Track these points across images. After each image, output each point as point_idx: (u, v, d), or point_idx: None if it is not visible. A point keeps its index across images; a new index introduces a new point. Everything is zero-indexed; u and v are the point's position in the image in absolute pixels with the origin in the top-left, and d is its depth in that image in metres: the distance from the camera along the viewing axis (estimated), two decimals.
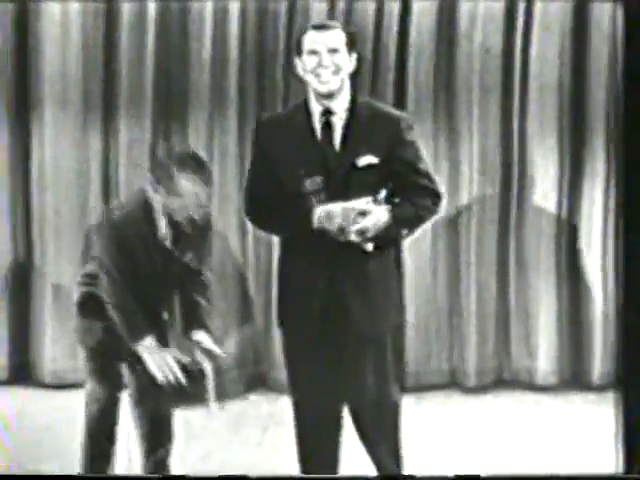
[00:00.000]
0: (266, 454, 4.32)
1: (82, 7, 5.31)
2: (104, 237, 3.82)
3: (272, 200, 3.70)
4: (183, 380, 3.79)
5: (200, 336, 3.96)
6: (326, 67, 3.60)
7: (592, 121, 5.40)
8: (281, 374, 5.03)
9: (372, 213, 3.56)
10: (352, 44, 3.67)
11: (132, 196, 3.93)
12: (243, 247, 5.45)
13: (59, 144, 5.41)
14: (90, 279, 3.95)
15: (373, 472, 3.92)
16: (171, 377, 3.79)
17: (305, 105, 3.71)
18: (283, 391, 4.84)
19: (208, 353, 3.94)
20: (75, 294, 4.04)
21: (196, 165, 3.76)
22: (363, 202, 3.56)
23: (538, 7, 5.34)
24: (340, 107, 3.66)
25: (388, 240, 3.68)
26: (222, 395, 3.93)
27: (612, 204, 5.44)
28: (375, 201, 3.59)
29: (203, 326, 3.99)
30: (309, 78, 3.63)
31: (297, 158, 3.64)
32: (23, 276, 5.54)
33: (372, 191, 3.61)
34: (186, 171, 3.71)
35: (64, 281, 5.39)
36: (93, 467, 4.08)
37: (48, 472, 4.30)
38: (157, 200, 3.77)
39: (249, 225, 5.16)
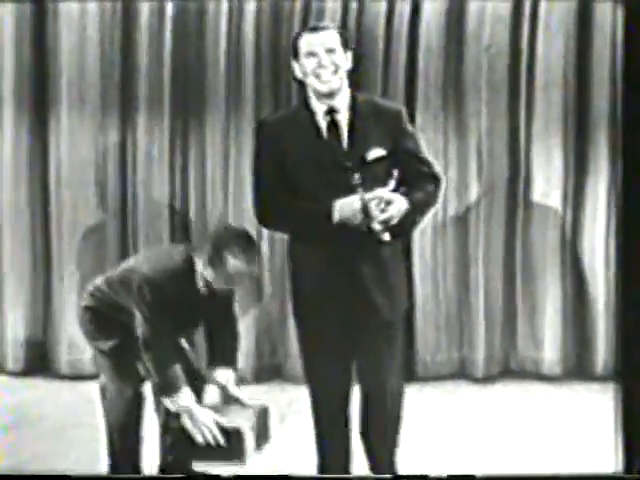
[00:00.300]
0: (284, 444, 4.35)
1: (100, 7, 5.35)
2: (143, 291, 3.79)
3: (287, 199, 3.72)
4: (222, 441, 3.78)
5: (225, 376, 3.96)
6: (325, 67, 3.66)
7: (595, 120, 5.43)
8: (296, 365, 5.07)
9: (395, 201, 3.60)
10: (346, 43, 3.72)
11: (173, 253, 3.92)
12: (258, 239, 5.50)
13: (76, 142, 5.45)
14: (99, 293, 4.03)
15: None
16: (211, 440, 3.77)
17: (306, 105, 3.75)
18: (299, 381, 4.93)
19: (233, 399, 3.97)
20: (85, 302, 4.08)
21: (247, 246, 3.77)
22: (385, 191, 3.62)
23: (543, 7, 5.37)
24: (342, 105, 3.72)
25: (405, 228, 3.71)
26: (260, 443, 3.91)
27: (615, 201, 5.46)
28: (395, 190, 3.65)
29: (229, 363, 4.00)
30: (309, 80, 3.69)
31: (306, 157, 3.69)
32: (41, 270, 5.60)
33: (382, 182, 3.67)
34: (236, 252, 3.71)
35: (82, 275, 5.47)
36: (120, 462, 4.12)
37: (67, 467, 4.33)
38: (202, 268, 3.78)
39: None
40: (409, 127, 3.78)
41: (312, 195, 3.67)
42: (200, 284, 3.82)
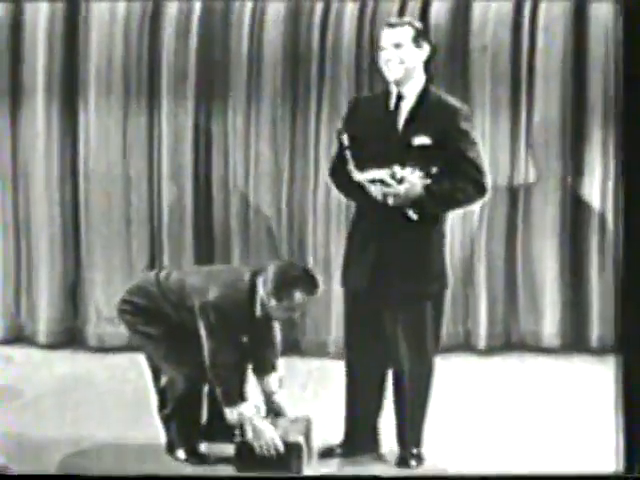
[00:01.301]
0: (307, 408, 4.47)
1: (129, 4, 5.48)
2: (207, 314, 4.01)
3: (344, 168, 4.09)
4: (282, 451, 3.98)
5: (275, 382, 4.21)
6: (390, 60, 4.04)
7: (592, 118, 5.58)
8: (312, 340, 5.45)
9: (407, 181, 3.92)
10: (418, 39, 4.05)
11: (238, 281, 4.08)
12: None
13: (104, 128, 5.60)
14: (147, 292, 4.20)
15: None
16: (272, 452, 3.99)
17: (387, 89, 4.13)
18: (316, 354, 5.27)
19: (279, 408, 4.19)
20: (130, 297, 4.25)
21: (311, 284, 4.01)
22: (405, 171, 3.93)
23: (542, 8, 5.51)
24: (410, 92, 4.08)
25: (427, 212, 3.99)
26: (310, 454, 4.13)
27: (610, 183, 5.59)
28: (420, 174, 3.94)
29: (276, 368, 4.24)
30: (383, 68, 4.07)
31: (371, 132, 4.06)
32: (71, 251, 5.74)
33: (422, 168, 3.96)
34: (301, 289, 3.96)
35: (111, 255, 5.69)
36: (183, 438, 4.25)
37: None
38: (265, 297, 4.00)
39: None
40: (464, 125, 4.03)
41: (368, 167, 3.99)
42: (258, 308, 4.05)
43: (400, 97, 4.09)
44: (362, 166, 4.00)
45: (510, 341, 5.80)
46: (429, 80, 4.13)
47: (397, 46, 4.03)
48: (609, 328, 5.58)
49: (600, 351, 5.59)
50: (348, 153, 4.03)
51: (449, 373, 5.15)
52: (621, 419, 4.08)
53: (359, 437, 4.25)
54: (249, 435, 4.00)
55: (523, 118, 5.66)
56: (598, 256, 5.72)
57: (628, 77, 4.20)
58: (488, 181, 4.06)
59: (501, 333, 5.79)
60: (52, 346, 5.70)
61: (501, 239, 5.76)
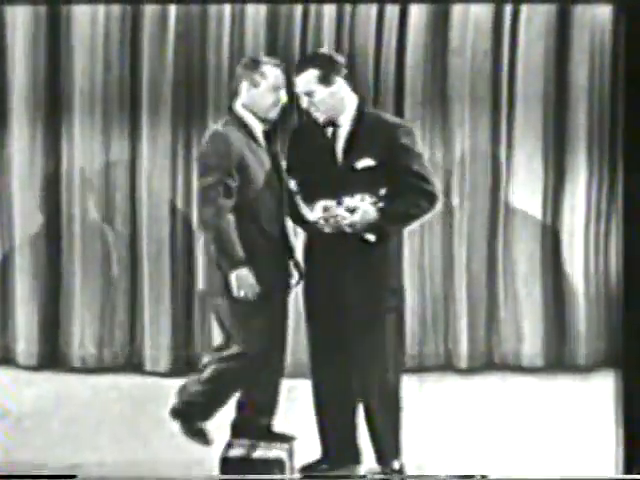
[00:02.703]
0: (282, 425, 4.48)
1: (107, 11, 5.46)
2: None
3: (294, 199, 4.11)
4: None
5: None
6: (308, 108, 4.06)
7: (575, 127, 5.57)
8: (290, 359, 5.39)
9: (359, 209, 3.92)
10: (326, 78, 4.02)
11: None
12: None
13: (87, 144, 5.57)
14: None
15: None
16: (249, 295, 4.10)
17: None
18: (293, 375, 5.16)
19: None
20: None
21: None
22: (355, 200, 3.93)
23: (523, 16, 5.50)
24: (345, 120, 4.06)
25: (384, 232, 3.99)
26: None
27: (593, 199, 5.62)
28: (371, 198, 3.94)
29: None
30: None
31: (311, 161, 4.06)
32: (53, 269, 5.68)
33: (369, 190, 3.96)
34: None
35: (91, 273, 5.65)
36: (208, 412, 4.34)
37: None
38: None
39: None
40: (405, 141, 4.02)
41: (315, 197, 4.00)
42: None
43: (335, 125, 4.07)
44: (309, 197, 4.01)
45: (492, 361, 5.77)
46: (362, 100, 4.12)
47: (308, 94, 4.03)
48: (593, 346, 5.66)
49: (584, 370, 5.58)
50: (298, 198, 4.06)
51: (430, 393, 5.31)
52: (620, 434, 4.22)
53: (338, 453, 4.24)
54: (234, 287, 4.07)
55: (504, 127, 5.66)
56: (581, 273, 5.72)
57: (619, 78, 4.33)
58: (436, 189, 4.07)
59: (483, 353, 5.77)
60: (34, 367, 5.66)
61: (482, 257, 5.76)
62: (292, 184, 4.11)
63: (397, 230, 4.13)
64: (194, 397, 4.34)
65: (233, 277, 4.11)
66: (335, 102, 4.04)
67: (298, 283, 4.35)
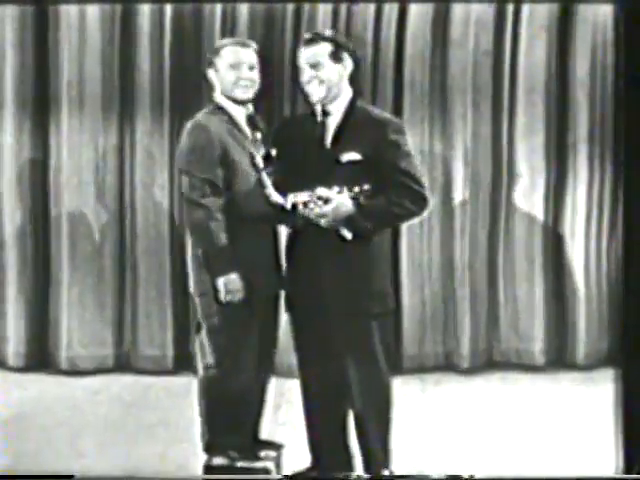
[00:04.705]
0: (280, 429, 4.46)
1: (99, 9, 5.41)
2: None
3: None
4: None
5: None
6: (309, 82, 3.91)
7: (577, 124, 5.56)
8: (286, 358, 5.33)
9: (333, 200, 3.77)
10: (336, 54, 3.89)
11: None
12: None
13: (76, 144, 5.51)
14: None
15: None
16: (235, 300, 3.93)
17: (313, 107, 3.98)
18: (289, 375, 5.15)
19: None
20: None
21: None
22: (330, 191, 3.78)
23: (525, 11, 5.48)
24: (336, 109, 3.93)
25: (363, 230, 3.84)
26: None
27: (595, 198, 5.62)
28: (349, 192, 3.78)
29: None
30: (305, 88, 3.94)
31: (300, 152, 3.93)
32: (41, 270, 5.64)
33: (353, 185, 3.80)
34: None
35: (79, 273, 5.59)
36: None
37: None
38: None
39: None
40: (394, 137, 3.88)
41: (297, 187, 3.85)
42: None
43: (326, 114, 3.95)
44: (290, 186, 3.87)
45: (492, 359, 5.76)
46: (356, 94, 3.99)
47: (314, 66, 3.90)
48: (595, 345, 5.65)
49: (585, 368, 5.59)
50: (264, 175, 3.93)
51: (431, 393, 5.29)
52: (619, 435, 4.10)
53: (327, 459, 4.12)
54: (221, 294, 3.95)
55: (505, 125, 5.62)
56: (582, 271, 5.70)
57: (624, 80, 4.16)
58: (426, 192, 3.90)
59: (484, 351, 5.74)
60: (23, 369, 5.62)
61: (482, 256, 5.72)
62: (260, 161, 3.97)
63: (379, 229, 3.95)
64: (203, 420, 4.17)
65: (221, 282, 3.96)
66: (337, 82, 3.91)
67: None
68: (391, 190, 3.85)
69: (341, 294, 3.88)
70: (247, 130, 4.09)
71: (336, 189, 3.79)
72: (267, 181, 3.91)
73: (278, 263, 4.13)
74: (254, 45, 4.13)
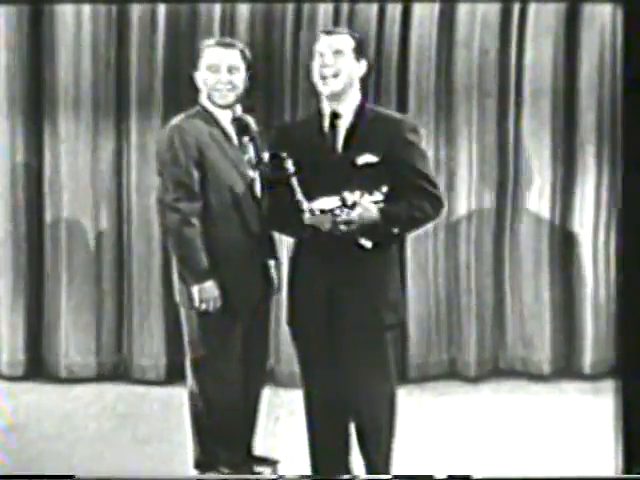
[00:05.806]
0: (280, 441, 4.43)
1: (93, 10, 5.36)
2: None
3: (280, 201, 3.79)
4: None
5: None
6: (328, 66, 3.72)
7: (584, 124, 5.50)
8: (287, 369, 5.23)
9: (359, 205, 3.61)
10: (360, 50, 3.77)
11: None
12: None
13: (72, 146, 5.45)
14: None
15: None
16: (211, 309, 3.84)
17: (319, 107, 3.83)
18: (290, 385, 5.03)
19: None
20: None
21: None
22: (354, 195, 3.62)
23: (532, 11, 5.42)
24: (346, 110, 3.78)
25: (383, 236, 3.71)
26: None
27: (603, 202, 5.56)
28: (370, 196, 3.64)
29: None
30: (317, 81, 3.76)
31: (307, 156, 3.71)
32: (38, 277, 5.57)
33: (371, 188, 3.66)
34: None
35: (76, 280, 5.51)
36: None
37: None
38: None
39: None
40: (410, 137, 3.76)
41: (312, 195, 3.68)
42: None
43: (336, 115, 3.80)
44: (305, 194, 3.69)
45: (498, 368, 5.72)
46: (364, 98, 3.86)
47: (337, 53, 3.74)
48: (602, 354, 5.60)
49: (593, 377, 5.54)
50: (294, 181, 3.70)
51: (437, 401, 5.26)
52: (619, 446, 4.00)
53: (328, 471, 4.01)
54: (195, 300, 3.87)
55: (511, 126, 5.56)
56: (590, 280, 5.65)
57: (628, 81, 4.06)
58: (441, 193, 3.81)
59: (490, 360, 5.70)
60: (19, 378, 5.55)
61: (488, 263, 5.67)
62: (290, 165, 3.71)
63: (397, 236, 3.83)
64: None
65: (196, 290, 3.86)
66: (353, 79, 3.79)
67: (279, 289, 4.10)
68: (409, 193, 3.73)
69: (357, 306, 3.75)
70: (232, 133, 3.97)
71: (359, 193, 3.63)
72: (297, 187, 3.69)
73: (264, 270, 4.04)
74: (240, 46, 4.02)
